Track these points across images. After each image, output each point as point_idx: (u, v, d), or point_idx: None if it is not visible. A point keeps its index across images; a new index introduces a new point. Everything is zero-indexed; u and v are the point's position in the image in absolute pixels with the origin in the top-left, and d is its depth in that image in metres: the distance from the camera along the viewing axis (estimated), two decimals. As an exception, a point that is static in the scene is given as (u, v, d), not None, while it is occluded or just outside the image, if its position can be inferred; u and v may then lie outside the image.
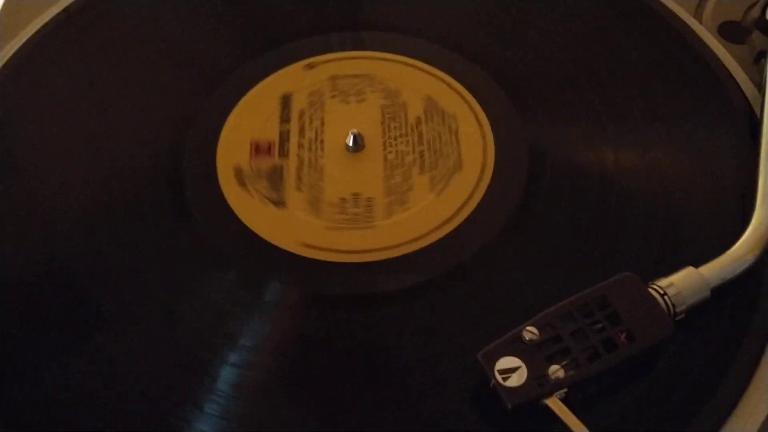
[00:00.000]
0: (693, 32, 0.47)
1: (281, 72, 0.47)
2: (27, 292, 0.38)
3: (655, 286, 0.35)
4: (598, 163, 0.42)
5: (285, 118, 0.45)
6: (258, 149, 0.43)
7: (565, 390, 0.32)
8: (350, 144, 0.43)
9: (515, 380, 0.32)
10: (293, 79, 0.47)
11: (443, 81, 0.46)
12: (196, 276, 0.39)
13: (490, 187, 0.41)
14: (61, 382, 0.35)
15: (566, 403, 0.32)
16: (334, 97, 0.46)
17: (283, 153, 0.43)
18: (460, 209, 0.40)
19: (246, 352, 0.36)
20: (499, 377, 0.32)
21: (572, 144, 0.43)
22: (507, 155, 0.42)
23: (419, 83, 0.46)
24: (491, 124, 0.44)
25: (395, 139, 0.43)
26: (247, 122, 0.45)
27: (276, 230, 0.40)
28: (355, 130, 0.43)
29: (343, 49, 0.48)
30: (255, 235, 0.40)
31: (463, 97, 0.45)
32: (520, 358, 0.32)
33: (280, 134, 0.44)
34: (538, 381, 0.32)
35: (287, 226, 0.40)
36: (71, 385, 0.35)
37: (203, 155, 0.43)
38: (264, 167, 0.43)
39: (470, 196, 0.41)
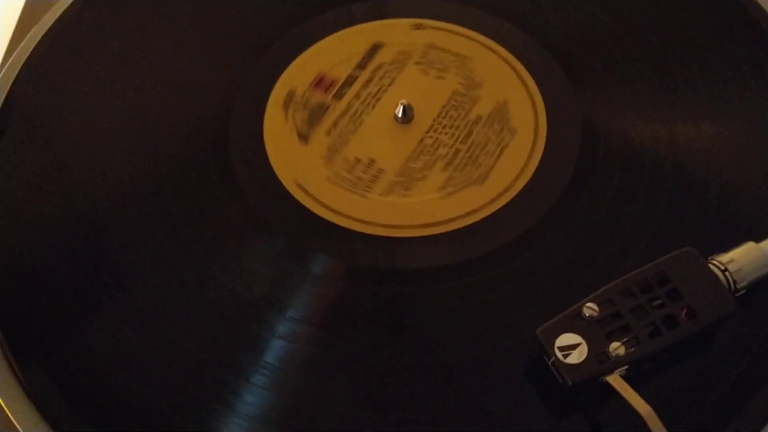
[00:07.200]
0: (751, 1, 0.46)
1: (387, 22, 0.47)
2: (74, 252, 0.39)
3: (715, 262, 0.34)
4: (652, 137, 0.41)
5: (361, 65, 0.44)
6: (320, 82, 0.44)
7: (626, 367, 0.32)
8: (399, 114, 0.42)
9: (576, 357, 0.32)
10: (394, 32, 0.46)
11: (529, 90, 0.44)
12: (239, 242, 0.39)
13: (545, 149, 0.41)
14: (110, 348, 0.36)
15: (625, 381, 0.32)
16: (417, 63, 0.45)
17: (339, 95, 0.43)
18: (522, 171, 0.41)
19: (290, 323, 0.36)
20: (559, 354, 0.32)
21: (626, 118, 0.42)
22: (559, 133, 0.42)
23: (504, 86, 0.44)
24: (543, 97, 0.43)
25: (444, 127, 0.42)
26: (327, 55, 0.45)
27: (284, 160, 0.41)
28: (406, 101, 0.42)
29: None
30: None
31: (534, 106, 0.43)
32: (581, 335, 0.32)
33: (347, 77, 0.44)
34: (598, 358, 0.32)
35: (295, 160, 0.41)
36: (119, 351, 0.36)
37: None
38: (313, 101, 0.43)
39: (530, 159, 0.41)
